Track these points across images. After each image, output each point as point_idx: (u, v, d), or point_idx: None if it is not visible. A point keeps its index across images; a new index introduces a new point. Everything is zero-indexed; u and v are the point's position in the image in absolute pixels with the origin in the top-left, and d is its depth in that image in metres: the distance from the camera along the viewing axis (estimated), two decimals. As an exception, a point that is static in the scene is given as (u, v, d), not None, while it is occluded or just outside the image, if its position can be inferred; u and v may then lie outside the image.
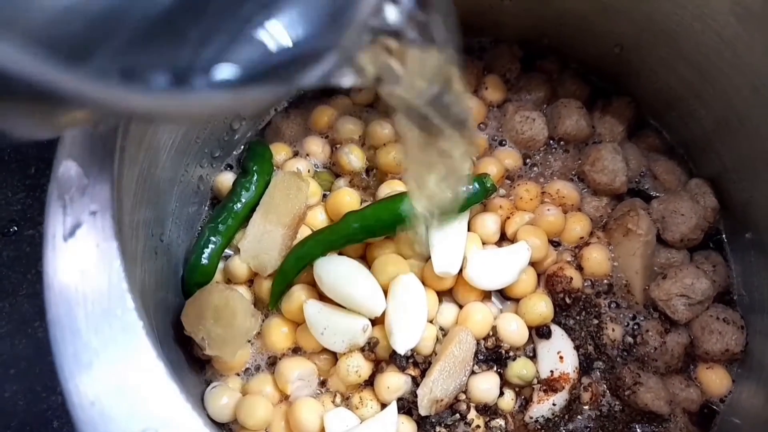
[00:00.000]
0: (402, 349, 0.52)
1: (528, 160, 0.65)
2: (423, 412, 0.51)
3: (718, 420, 0.58)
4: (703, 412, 0.58)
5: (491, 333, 0.56)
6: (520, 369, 0.55)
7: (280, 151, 0.64)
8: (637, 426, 0.56)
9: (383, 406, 0.54)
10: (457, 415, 0.53)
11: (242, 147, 0.63)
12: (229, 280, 0.58)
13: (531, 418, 0.55)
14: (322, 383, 0.55)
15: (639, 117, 0.68)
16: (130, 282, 0.38)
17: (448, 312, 0.57)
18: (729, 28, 0.53)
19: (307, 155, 0.64)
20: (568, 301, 0.58)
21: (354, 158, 0.62)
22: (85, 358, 0.36)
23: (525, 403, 0.56)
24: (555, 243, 0.62)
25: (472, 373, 0.54)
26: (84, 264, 0.38)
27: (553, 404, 0.55)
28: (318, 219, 0.60)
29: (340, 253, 0.57)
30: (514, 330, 0.56)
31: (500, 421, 0.54)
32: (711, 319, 0.59)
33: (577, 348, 0.57)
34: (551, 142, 0.66)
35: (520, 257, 0.57)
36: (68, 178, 0.39)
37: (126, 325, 0.37)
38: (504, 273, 0.57)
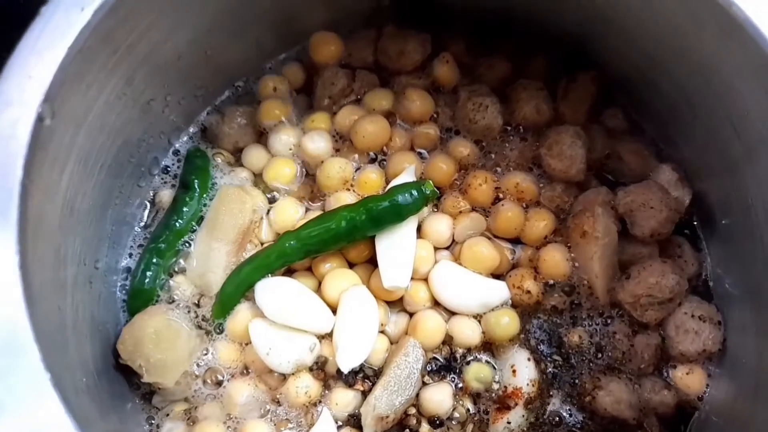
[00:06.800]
0: (346, 367, 0.50)
1: (482, 149, 0.59)
2: (367, 431, 0.50)
3: (695, 420, 0.54)
4: (679, 415, 0.54)
5: (444, 341, 0.54)
6: (477, 372, 0.53)
7: (220, 160, 0.60)
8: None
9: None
10: (407, 431, 0.51)
11: (181, 161, 0.61)
12: (174, 300, 0.56)
13: None
14: (272, 402, 0.54)
15: (604, 95, 0.61)
16: (39, 327, 0.37)
17: (398, 321, 0.55)
18: (677, 17, 0.50)
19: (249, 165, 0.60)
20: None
21: (288, 171, 0.59)
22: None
23: (485, 414, 0.53)
24: (515, 241, 0.57)
25: (423, 384, 0.52)
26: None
27: (508, 422, 0.52)
28: (265, 233, 0.58)
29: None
30: (467, 330, 0.54)
31: None
32: (686, 317, 0.54)
33: (537, 360, 0.53)
34: (508, 128, 0.60)
35: (496, 296, 0.55)
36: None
37: (32, 379, 0.35)
38: (472, 301, 0.54)
